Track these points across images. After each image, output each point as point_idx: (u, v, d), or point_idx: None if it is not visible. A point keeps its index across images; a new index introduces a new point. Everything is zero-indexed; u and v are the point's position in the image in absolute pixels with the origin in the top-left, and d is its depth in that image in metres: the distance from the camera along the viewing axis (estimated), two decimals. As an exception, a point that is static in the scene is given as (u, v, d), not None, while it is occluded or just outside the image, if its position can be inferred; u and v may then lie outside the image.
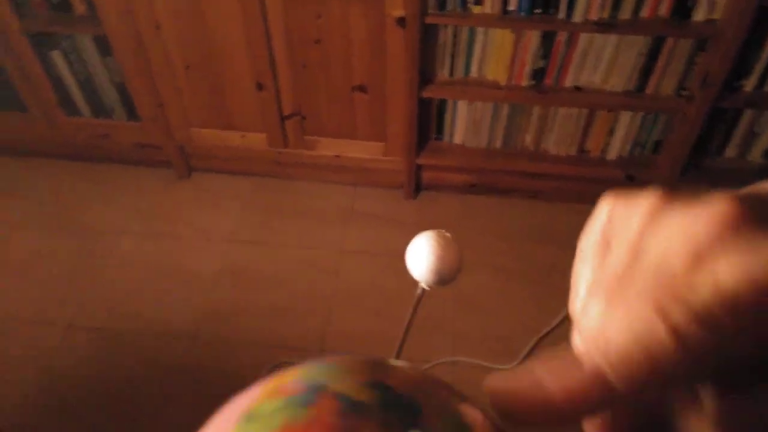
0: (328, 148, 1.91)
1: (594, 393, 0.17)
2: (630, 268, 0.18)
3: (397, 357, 0.54)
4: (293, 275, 1.80)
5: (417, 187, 2.01)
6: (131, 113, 1.92)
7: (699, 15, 1.51)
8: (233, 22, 1.63)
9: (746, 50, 1.54)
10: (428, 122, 1.87)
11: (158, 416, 1.50)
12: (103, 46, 1.76)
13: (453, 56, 1.70)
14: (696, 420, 0.18)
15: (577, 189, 1.91)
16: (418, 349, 1.60)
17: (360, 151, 1.90)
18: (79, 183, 2.07)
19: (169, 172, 2.07)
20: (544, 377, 0.18)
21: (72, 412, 1.51)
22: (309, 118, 1.84)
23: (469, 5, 1.56)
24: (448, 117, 1.84)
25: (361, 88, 1.74)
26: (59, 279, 1.79)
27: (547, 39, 1.62)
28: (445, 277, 0.48)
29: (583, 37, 1.60)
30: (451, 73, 1.73)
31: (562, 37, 1.61)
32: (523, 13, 1.55)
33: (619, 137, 1.81)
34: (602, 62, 1.65)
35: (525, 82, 1.71)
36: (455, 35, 1.65)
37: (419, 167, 1.94)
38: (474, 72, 1.73)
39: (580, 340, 0.18)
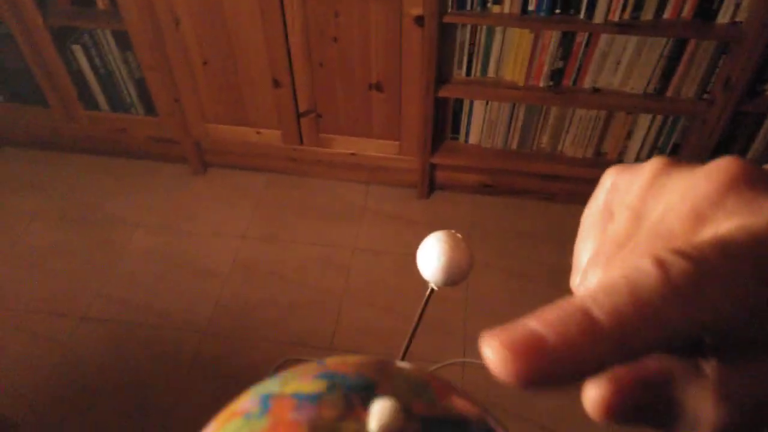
0: (343, 146, 1.91)
1: (589, 341, 0.15)
2: (630, 232, 0.17)
3: (404, 357, 0.54)
4: (305, 271, 1.80)
5: (431, 187, 2.00)
6: (149, 108, 1.94)
7: (723, 17, 1.49)
8: (251, 18, 1.63)
9: (770, 54, 1.52)
10: (444, 121, 1.86)
11: (168, 408, 1.51)
12: (123, 41, 1.78)
13: (470, 56, 1.69)
14: (699, 393, 0.17)
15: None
16: (429, 350, 1.60)
17: (375, 149, 1.90)
18: (97, 176, 2.10)
19: (185, 167, 2.09)
20: (538, 328, 0.15)
21: (85, 402, 1.53)
22: (324, 115, 1.84)
23: (488, 4, 1.55)
24: (464, 116, 1.83)
25: (378, 87, 1.74)
26: (75, 271, 1.81)
27: (567, 39, 1.60)
28: (455, 278, 0.48)
29: (603, 38, 1.58)
30: (468, 73, 1.72)
31: (581, 37, 1.59)
32: (542, 13, 1.54)
33: (638, 140, 1.78)
34: (622, 64, 1.63)
35: (543, 82, 1.69)
36: (473, 34, 1.64)
37: (433, 167, 1.93)
38: (491, 72, 1.72)
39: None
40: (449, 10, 1.55)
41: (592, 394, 0.18)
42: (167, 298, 1.74)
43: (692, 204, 0.16)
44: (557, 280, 1.75)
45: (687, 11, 1.50)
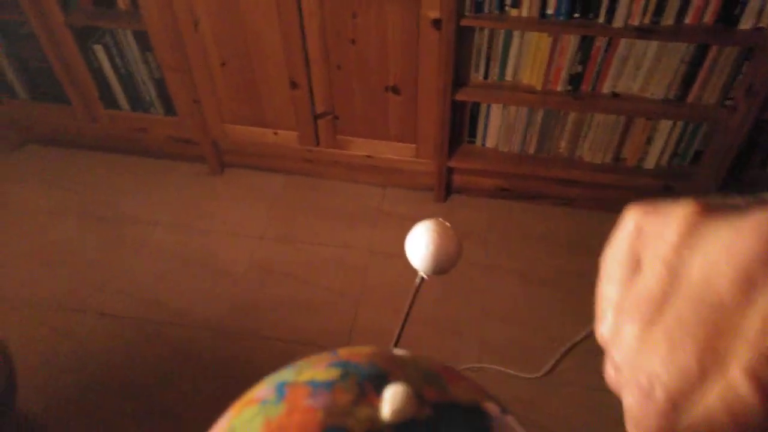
0: (359, 148, 1.91)
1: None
2: (667, 290, 0.16)
3: (396, 345, 0.54)
4: (321, 273, 1.80)
5: (447, 190, 2.00)
6: (168, 108, 1.96)
7: (745, 23, 1.47)
8: (269, 20, 1.64)
9: (795, 60, 1.49)
10: (461, 125, 1.86)
11: (181, 405, 1.52)
12: (144, 42, 1.80)
13: (488, 59, 1.68)
14: None
15: (612, 198, 1.87)
16: (444, 354, 1.59)
17: (391, 152, 1.89)
18: (116, 174, 2.12)
19: (203, 167, 2.11)
20: None
21: (99, 397, 1.54)
22: (341, 117, 1.84)
23: (506, 8, 1.54)
24: (481, 120, 1.83)
25: (395, 89, 1.74)
26: (92, 267, 1.83)
27: (586, 44, 1.59)
28: (443, 266, 0.48)
29: (623, 43, 1.57)
30: (486, 76, 1.72)
31: (600, 42, 1.58)
32: (561, 17, 1.52)
33: (658, 146, 1.76)
34: (642, 69, 1.61)
35: (561, 87, 1.68)
36: (491, 38, 1.64)
37: (450, 170, 1.93)
38: (509, 76, 1.71)
39: (613, 369, 0.16)
40: (467, 13, 1.55)
41: None
42: (183, 296, 1.75)
43: (740, 266, 0.14)
44: (574, 286, 1.73)
45: (709, 16, 1.48)
